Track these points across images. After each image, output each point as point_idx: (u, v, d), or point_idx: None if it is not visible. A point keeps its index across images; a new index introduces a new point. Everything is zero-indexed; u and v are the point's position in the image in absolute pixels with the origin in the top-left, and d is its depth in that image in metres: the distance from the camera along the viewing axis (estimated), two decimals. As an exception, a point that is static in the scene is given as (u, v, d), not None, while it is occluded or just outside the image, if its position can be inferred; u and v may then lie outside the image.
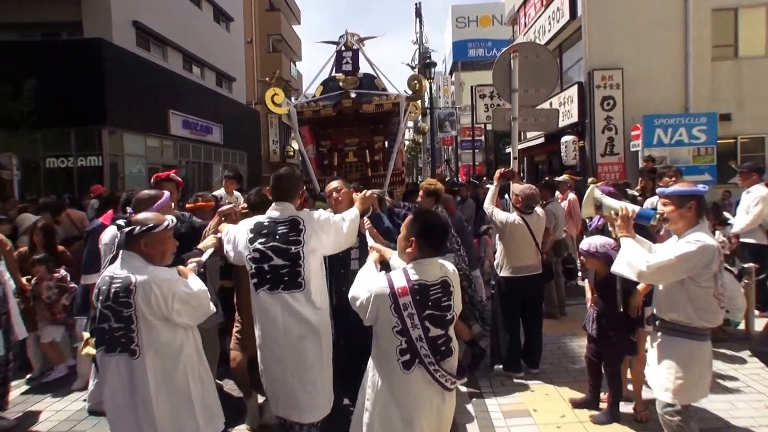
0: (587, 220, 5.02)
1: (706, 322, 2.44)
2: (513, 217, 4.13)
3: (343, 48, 6.18)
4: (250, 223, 2.67)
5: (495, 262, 4.40)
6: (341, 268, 3.29)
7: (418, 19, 18.68)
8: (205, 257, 2.68)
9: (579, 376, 4.09)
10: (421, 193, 4.51)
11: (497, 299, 4.35)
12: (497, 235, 4.34)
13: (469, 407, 3.71)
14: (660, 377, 2.51)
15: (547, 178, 7.78)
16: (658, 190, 2.71)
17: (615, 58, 11.91)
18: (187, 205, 3.95)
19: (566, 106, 13.11)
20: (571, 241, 6.65)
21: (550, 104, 13.64)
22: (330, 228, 2.69)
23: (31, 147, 12.23)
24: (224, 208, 3.07)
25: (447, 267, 2.18)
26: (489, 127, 19.29)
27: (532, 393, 3.91)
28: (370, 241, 2.77)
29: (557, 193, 6.70)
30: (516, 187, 4.24)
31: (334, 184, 3.36)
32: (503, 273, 4.20)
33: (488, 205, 4.25)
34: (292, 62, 33.34)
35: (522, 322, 4.30)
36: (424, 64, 16.00)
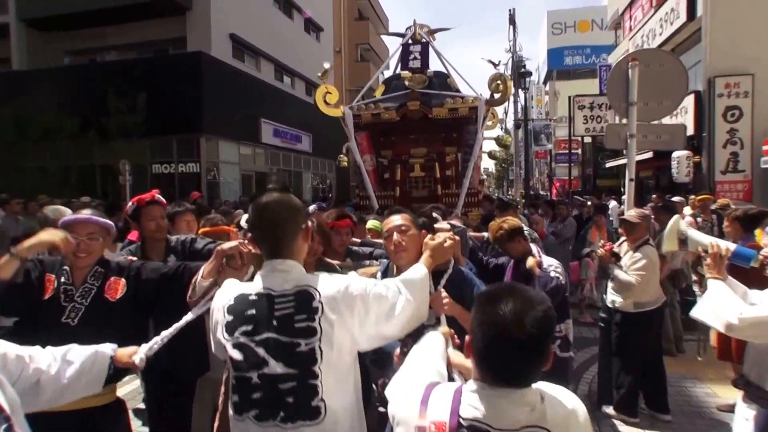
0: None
1: None
2: (653, 250, 3.68)
3: (410, 41, 5.43)
4: (229, 293, 1.56)
5: (609, 293, 3.89)
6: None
7: (511, 27, 17.85)
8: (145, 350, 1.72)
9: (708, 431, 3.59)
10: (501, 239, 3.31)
11: (617, 334, 3.84)
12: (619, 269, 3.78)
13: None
14: None
15: (654, 198, 7.00)
16: None
17: (742, 62, 10.42)
18: (201, 230, 3.24)
19: (680, 118, 11.73)
20: (688, 269, 5.80)
21: (661, 115, 12.35)
22: (370, 308, 1.52)
23: (140, 154, 13.27)
24: (226, 245, 1.84)
25: (551, 410, 1.13)
26: (587, 139, 18.01)
27: (650, 444, 3.48)
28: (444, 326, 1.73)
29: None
30: (633, 214, 3.77)
31: (396, 219, 2.10)
32: (640, 308, 3.74)
33: (615, 275, 3.74)
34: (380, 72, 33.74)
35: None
36: (519, 74, 15.15)
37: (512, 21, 18.29)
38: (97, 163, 14.52)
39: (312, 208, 5.34)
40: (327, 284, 1.52)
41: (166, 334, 1.76)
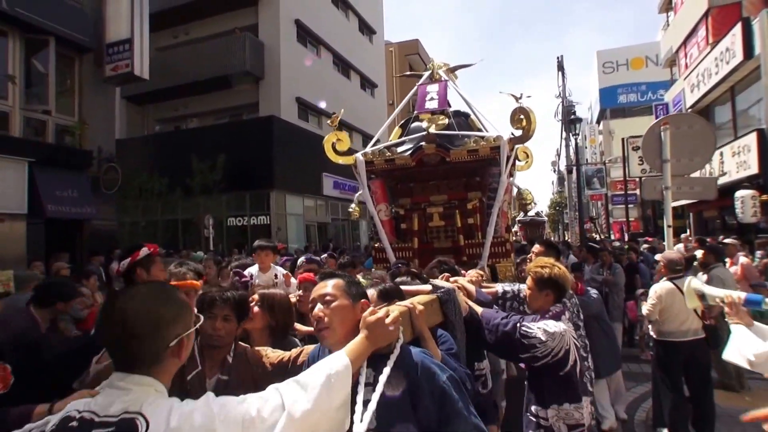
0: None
1: None
2: (664, 286, 4.11)
3: (427, 81, 5.15)
4: (62, 411, 1.13)
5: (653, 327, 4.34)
6: None
7: (560, 73, 18.22)
8: None
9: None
10: (528, 281, 2.66)
11: (656, 363, 4.35)
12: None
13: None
14: None
15: (720, 239, 7.04)
16: None
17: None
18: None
19: (742, 156, 11.56)
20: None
21: (721, 154, 12.22)
22: None
23: (217, 209, 14.68)
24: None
25: None
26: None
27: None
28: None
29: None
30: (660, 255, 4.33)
31: (324, 286, 1.60)
32: (662, 337, 4.22)
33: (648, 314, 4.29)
34: (432, 120, 34.96)
35: (688, 388, 4.24)
36: (569, 121, 15.39)
37: (560, 67, 18.65)
38: (180, 217, 16.15)
39: (301, 260, 5.28)
40: (164, 413, 1.04)
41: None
